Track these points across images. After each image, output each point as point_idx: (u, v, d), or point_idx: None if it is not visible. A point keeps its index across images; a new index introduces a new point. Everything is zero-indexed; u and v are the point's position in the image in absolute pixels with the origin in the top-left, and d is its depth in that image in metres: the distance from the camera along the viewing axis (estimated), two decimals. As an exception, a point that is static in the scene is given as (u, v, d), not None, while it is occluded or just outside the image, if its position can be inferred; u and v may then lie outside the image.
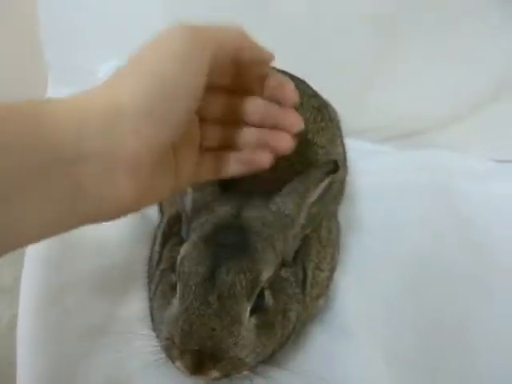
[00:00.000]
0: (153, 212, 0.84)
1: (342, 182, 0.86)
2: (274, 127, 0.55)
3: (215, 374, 0.56)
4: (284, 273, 0.63)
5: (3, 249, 0.40)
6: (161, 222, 0.76)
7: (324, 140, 0.79)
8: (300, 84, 0.84)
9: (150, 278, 0.70)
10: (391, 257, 0.87)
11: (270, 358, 0.62)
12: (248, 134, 0.56)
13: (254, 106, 0.55)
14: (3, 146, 0.38)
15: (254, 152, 0.56)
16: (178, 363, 0.57)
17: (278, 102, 0.55)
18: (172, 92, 0.44)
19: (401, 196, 0.98)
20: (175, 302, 0.59)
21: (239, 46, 0.49)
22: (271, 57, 0.53)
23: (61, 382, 0.65)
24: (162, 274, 0.65)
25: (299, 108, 0.76)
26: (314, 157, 0.75)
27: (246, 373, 0.60)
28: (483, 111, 1.10)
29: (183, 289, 0.58)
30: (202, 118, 0.54)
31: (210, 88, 0.48)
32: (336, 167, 0.65)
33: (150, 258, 0.73)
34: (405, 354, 0.73)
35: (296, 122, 0.56)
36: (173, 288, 0.60)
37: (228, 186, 0.67)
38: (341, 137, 0.88)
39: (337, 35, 1.05)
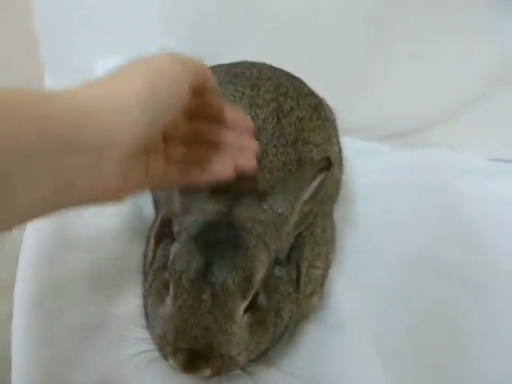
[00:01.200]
0: (147, 210, 0.85)
1: (338, 182, 0.86)
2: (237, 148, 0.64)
3: (207, 372, 0.57)
4: (278, 271, 0.63)
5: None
6: (155, 220, 0.76)
7: (320, 139, 0.79)
8: (296, 82, 0.84)
9: (145, 276, 0.70)
10: (387, 256, 0.86)
11: (263, 356, 0.62)
12: (213, 151, 0.63)
13: (219, 131, 0.63)
14: (15, 127, 0.41)
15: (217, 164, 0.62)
16: (171, 360, 0.57)
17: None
18: (166, 92, 0.52)
19: (397, 195, 0.98)
20: (168, 300, 0.59)
21: (207, 75, 0.59)
22: (215, 82, 0.62)
23: (55, 379, 0.65)
24: (155, 273, 0.65)
25: (295, 106, 0.78)
26: (309, 155, 0.75)
27: (238, 372, 0.60)
28: (478, 110, 1.10)
29: (176, 287, 0.58)
30: (169, 137, 0.60)
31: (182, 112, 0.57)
32: (329, 164, 0.66)
33: (145, 257, 0.73)
34: (399, 354, 0.73)
35: (254, 144, 0.65)
36: (166, 286, 0.60)
37: (221, 187, 0.67)
38: (336, 136, 0.88)
39: (331, 34, 1.05)
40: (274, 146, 0.72)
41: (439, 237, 0.90)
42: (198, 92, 0.58)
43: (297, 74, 0.88)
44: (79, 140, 0.45)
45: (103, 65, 1.07)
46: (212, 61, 0.89)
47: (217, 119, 0.64)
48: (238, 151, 0.63)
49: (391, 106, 1.11)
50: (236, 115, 0.65)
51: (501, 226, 0.94)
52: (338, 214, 0.87)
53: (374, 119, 1.13)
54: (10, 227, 0.43)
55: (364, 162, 1.04)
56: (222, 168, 0.62)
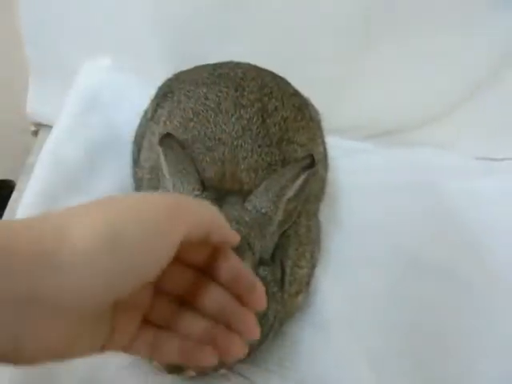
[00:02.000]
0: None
1: (323, 181, 0.86)
2: (228, 326, 0.49)
3: (192, 372, 0.57)
4: (262, 271, 0.62)
5: None
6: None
7: (304, 139, 0.79)
8: (281, 82, 0.84)
9: None
10: (373, 256, 0.86)
11: (248, 356, 0.61)
12: (197, 323, 0.49)
13: (213, 296, 0.49)
14: None
15: (197, 346, 0.48)
16: (155, 362, 0.57)
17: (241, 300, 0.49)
18: (132, 254, 0.39)
19: (384, 195, 0.97)
20: None
21: (212, 226, 0.46)
22: (236, 239, 0.51)
23: (38, 381, 0.65)
24: None
25: (280, 106, 0.78)
26: (294, 155, 0.75)
27: (223, 371, 0.60)
28: (465, 109, 1.10)
29: None
30: (158, 290, 0.49)
31: (177, 262, 0.46)
32: (312, 162, 0.65)
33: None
34: (385, 354, 0.72)
35: (253, 330, 0.49)
36: None
37: (206, 186, 0.67)
38: (321, 136, 0.88)
39: (317, 34, 1.05)
40: (259, 146, 0.72)
41: (428, 236, 0.90)
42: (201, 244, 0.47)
43: (283, 74, 0.87)
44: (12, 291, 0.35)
45: (91, 65, 1.06)
46: (199, 60, 0.90)
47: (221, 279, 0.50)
48: (229, 332, 0.48)
49: (379, 106, 1.11)
50: (248, 283, 0.49)
51: (487, 224, 0.94)
52: (324, 213, 0.87)
53: (361, 119, 1.13)
54: None
55: (351, 162, 1.04)
56: (204, 353, 0.47)
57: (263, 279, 0.62)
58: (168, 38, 1.06)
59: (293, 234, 0.70)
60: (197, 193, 0.65)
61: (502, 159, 1.13)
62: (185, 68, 0.90)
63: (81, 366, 0.66)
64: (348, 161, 1.03)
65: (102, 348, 0.45)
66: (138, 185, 0.85)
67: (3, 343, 0.36)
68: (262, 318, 0.61)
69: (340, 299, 0.77)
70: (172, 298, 0.50)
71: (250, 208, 0.64)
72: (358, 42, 1.07)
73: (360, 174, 1.02)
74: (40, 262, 0.35)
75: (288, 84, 0.86)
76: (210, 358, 0.47)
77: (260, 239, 0.62)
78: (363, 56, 1.08)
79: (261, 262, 0.63)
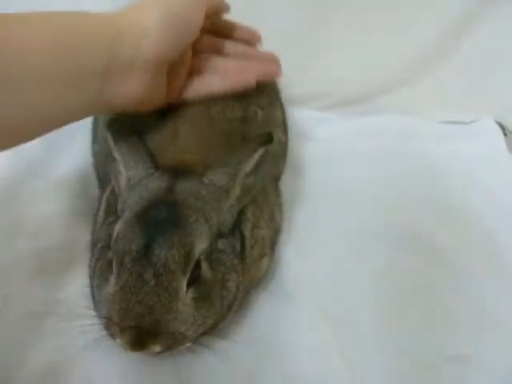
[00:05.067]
0: (93, 190, 0.83)
1: (282, 145, 0.86)
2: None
3: (157, 348, 0.57)
4: (221, 244, 0.62)
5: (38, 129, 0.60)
6: (100, 200, 0.75)
7: (264, 102, 0.80)
8: None
9: (91, 256, 0.69)
10: (340, 225, 0.85)
11: (213, 329, 0.62)
12: (232, 57, 0.77)
13: (234, 44, 0.79)
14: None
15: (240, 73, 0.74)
16: (119, 340, 0.57)
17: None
18: (183, 22, 0.65)
19: (350, 163, 0.97)
20: (112, 279, 0.59)
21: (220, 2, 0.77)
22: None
23: (3, 367, 0.64)
24: (100, 252, 0.65)
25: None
26: (254, 116, 0.77)
27: (188, 345, 0.60)
28: (426, 75, 1.11)
29: (118, 267, 0.58)
30: (194, 50, 0.73)
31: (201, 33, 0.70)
32: (270, 138, 0.66)
33: (92, 237, 0.72)
34: (351, 321, 0.72)
35: (276, 58, 0.80)
36: (110, 265, 0.60)
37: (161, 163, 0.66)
38: (280, 103, 0.88)
39: (278, 4, 1.05)
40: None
41: (400, 204, 0.89)
42: (210, 15, 0.72)
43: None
44: (120, 55, 0.60)
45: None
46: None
47: (227, 36, 0.79)
48: (262, 63, 0.77)
49: (341, 74, 1.10)
50: (245, 32, 0.80)
51: (468, 188, 0.92)
52: (289, 184, 0.87)
53: (325, 88, 1.12)
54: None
55: (316, 132, 1.04)
56: (241, 77, 0.73)
57: (222, 252, 0.62)
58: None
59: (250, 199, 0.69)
60: (151, 171, 0.65)
61: (470, 122, 1.12)
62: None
63: (45, 351, 0.66)
64: (313, 131, 1.03)
65: (164, 99, 0.69)
66: (97, 160, 0.84)
67: (98, 103, 0.61)
68: (224, 290, 0.62)
69: (304, 268, 0.77)
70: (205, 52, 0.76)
71: (207, 182, 0.64)
72: (319, 11, 1.07)
73: (325, 143, 1.02)
74: (137, 35, 0.62)
75: None
76: (252, 79, 0.73)
77: (217, 212, 0.63)
78: (325, 24, 1.08)
79: (219, 235, 0.63)
